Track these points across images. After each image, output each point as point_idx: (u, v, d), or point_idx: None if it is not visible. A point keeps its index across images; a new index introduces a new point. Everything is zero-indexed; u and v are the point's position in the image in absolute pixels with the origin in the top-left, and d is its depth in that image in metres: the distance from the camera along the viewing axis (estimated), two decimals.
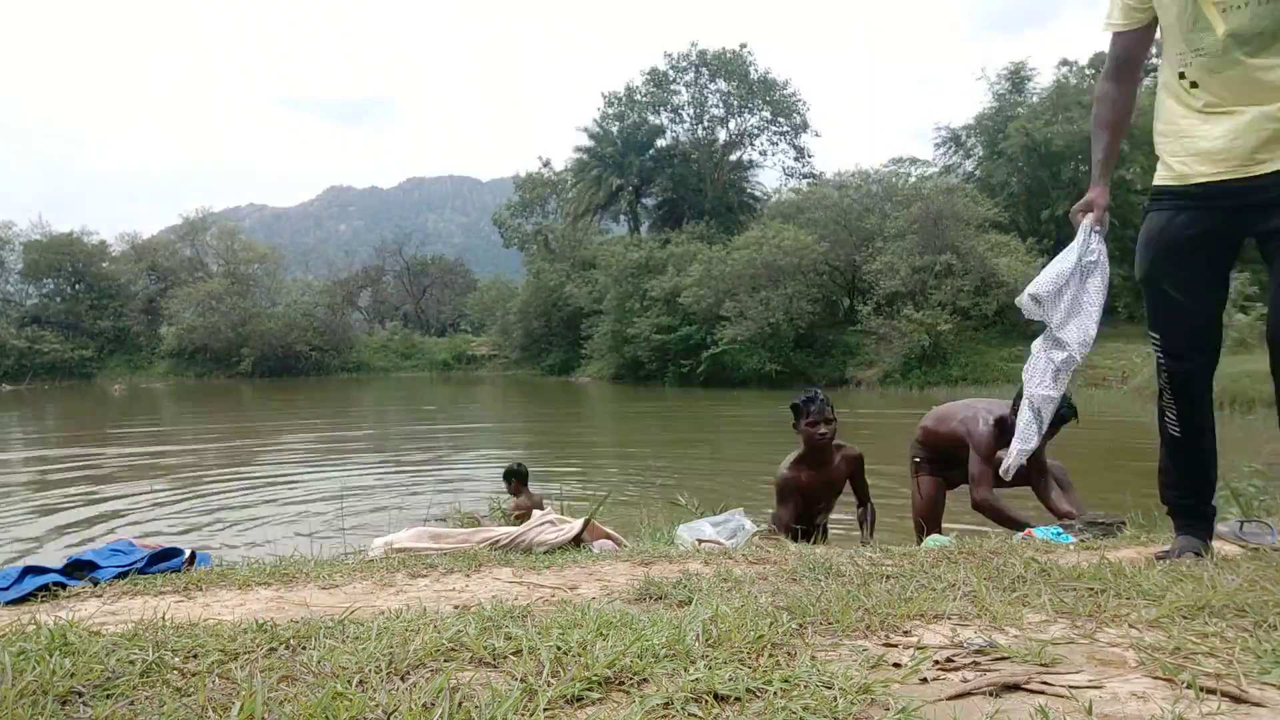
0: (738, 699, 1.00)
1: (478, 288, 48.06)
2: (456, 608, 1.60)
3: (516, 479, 5.69)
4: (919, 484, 3.89)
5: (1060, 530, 2.93)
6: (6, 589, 1.95)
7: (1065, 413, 3.20)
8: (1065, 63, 30.77)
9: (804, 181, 37.31)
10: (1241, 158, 1.89)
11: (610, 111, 39.80)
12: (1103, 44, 2.28)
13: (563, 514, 3.28)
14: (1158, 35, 2.11)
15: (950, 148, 32.29)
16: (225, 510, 7.72)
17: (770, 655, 1.17)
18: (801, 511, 3.84)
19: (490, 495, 6.29)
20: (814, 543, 3.31)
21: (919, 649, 1.23)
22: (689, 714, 0.97)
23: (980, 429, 3.60)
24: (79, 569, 2.15)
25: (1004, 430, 3.52)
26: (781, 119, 38.78)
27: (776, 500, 3.88)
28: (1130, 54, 2.17)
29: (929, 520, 3.75)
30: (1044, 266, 2.27)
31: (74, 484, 9.33)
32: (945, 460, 3.84)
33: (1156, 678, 1.09)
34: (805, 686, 1.03)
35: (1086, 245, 2.20)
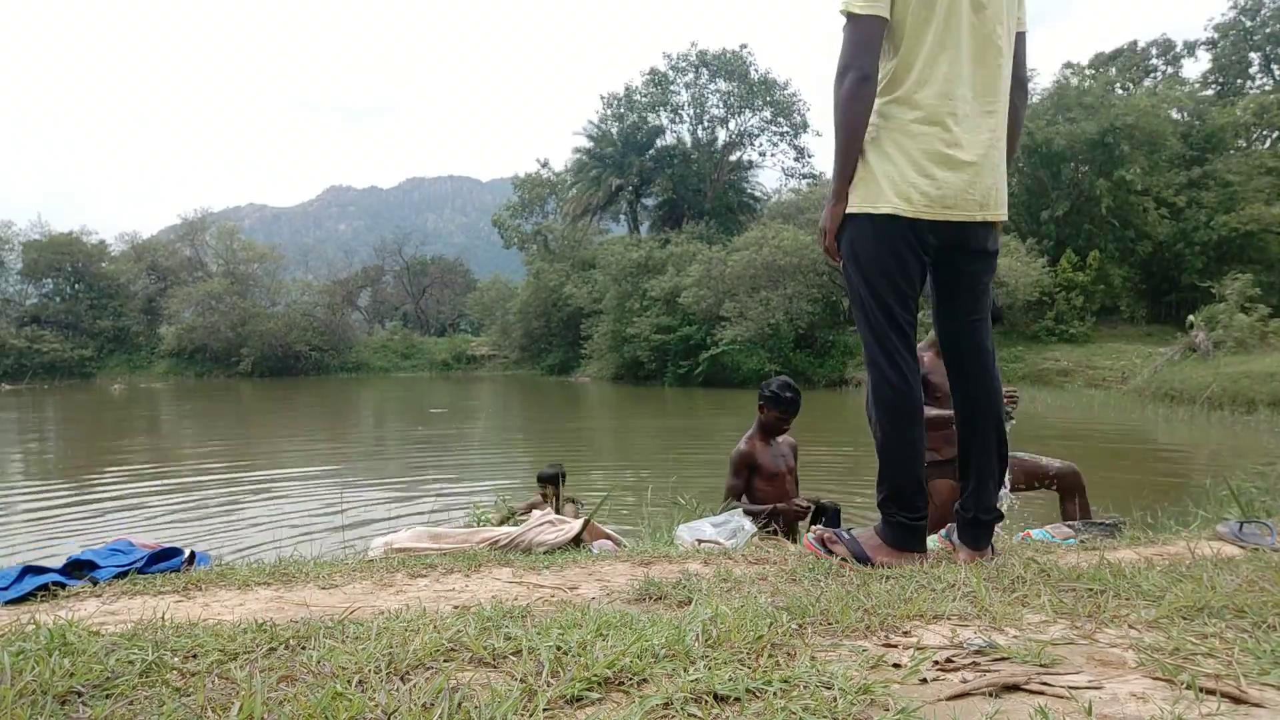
0: (737, 699, 1.00)
1: (477, 288, 48.09)
2: (456, 608, 1.60)
3: (554, 483, 5.23)
4: (933, 488, 3.66)
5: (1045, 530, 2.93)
6: (6, 589, 1.95)
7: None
8: (1069, 65, 30.86)
9: (804, 182, 37.35)
10: None
11: (610, 112, 39.84)
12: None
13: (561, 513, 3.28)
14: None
15: None
16: (225, 510, 7.72)
17: (770, 656, 1.17)
18: (753, 486, 4.13)
19: (493, 493, 6.29)
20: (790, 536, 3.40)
21: (919, 649, 1.23)
22: (689, 714, 0.97)
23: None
24: (78, 569, 2.14)
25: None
26: (782, 119, 38.82)
27: (730, 473, 4.19)
28: None
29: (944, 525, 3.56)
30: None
31: (74, 484, 9.33)
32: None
33: (1156, 678, 1.09)
34: (805, 687, 1.03)
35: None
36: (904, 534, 2.03)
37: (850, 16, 1.92)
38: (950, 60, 1.93)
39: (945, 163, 1.93)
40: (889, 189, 1.94)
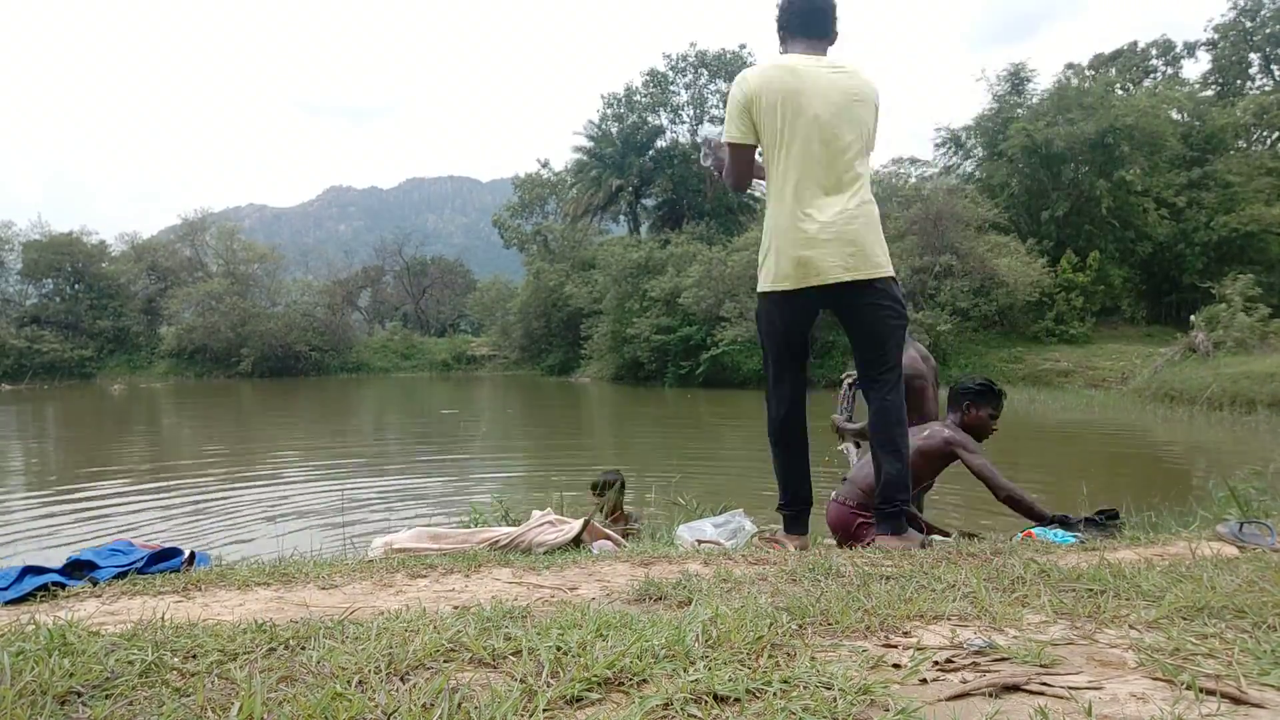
0: (737, 700, 1.00)
1: (477, 288, 48.06)
2: (456, 608, 1.59)
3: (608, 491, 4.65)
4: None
5: (1059, 531, 2.93)
6: (6, 589, 1.94)
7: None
8: (1070, 65, 30.81)
9: None
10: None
11: (610, 112, 39.79)
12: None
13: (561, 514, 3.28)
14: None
15: (950, 148, 32.26)
16: (225, 510, 7.72)
17: (770, 656, 1.17)
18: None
19: (494, 494, 6.29)
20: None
21: (919, 650, 1.23)
22: (688, 714, 0.97)
23: (947, 434, 3.33)
24: (78, 569, 2.14)
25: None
26: None
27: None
28: None
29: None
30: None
31: (74, 484, 9.32)
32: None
33: (1156, 679, 1.09)
34: (805, 687, 1.03)
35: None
36: (790, 522, 2.77)
37: (729, 145, 2.57)
38: (799, 166, 2.48)
39: (807, 244, 2.48)
40: (771, 272, 2.56)
